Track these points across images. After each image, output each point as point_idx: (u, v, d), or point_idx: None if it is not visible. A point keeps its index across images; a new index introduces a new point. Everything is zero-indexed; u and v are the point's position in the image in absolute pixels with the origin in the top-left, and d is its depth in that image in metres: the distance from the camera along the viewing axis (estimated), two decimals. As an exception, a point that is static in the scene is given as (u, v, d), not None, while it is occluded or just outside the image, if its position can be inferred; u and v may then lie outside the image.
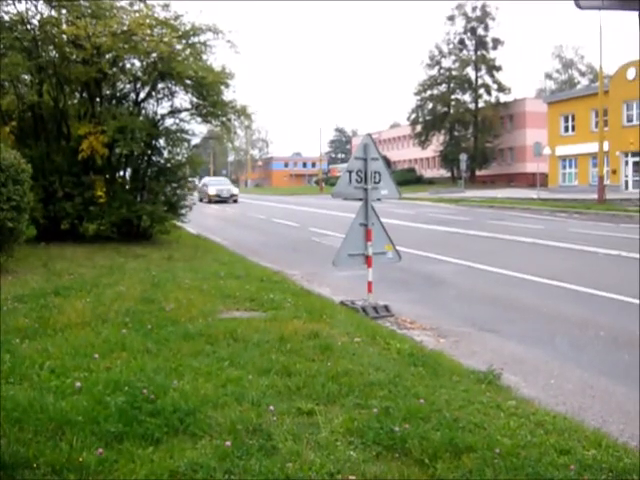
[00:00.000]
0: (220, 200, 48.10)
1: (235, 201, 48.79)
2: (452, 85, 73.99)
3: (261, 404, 4.85)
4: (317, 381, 5.40)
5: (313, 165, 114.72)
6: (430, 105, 75.70)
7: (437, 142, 74.47)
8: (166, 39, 16.68)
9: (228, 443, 4.12)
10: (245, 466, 3.85)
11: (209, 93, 17.91)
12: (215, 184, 51.92)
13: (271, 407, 4.76)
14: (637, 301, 10.06)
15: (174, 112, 18.79)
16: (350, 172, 9.87)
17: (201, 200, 46.83)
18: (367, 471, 3.86)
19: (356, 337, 7.12)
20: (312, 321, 7.76)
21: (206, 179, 55.71)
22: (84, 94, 18.44)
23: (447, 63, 74.59)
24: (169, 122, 18.95)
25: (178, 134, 18.73)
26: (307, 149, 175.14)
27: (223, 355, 6.14)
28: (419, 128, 76.46)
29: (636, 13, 3.02)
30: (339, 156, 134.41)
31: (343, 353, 6.35)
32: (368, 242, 9.89)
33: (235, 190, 51.77)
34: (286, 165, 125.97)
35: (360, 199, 10.01)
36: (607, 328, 8.65)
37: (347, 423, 4.54)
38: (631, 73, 45.81)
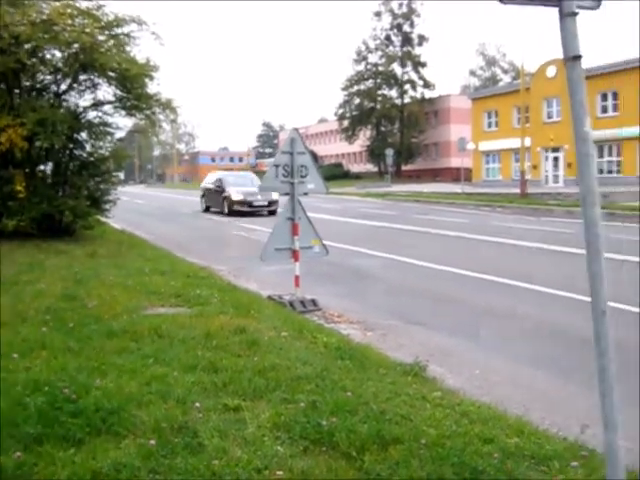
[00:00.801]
0: (249, 211, 28.69)
1: (273, 212, 28.21)
2: (378, 81, 74.76)
3: (187, 401, 4.78)
4: (244, 376, 5.35)
5: (240, 160, 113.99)
6: (357, 100, 76.43)
7: (364, 137, 75.21)
8: (88, 30, 16.23)
9: (152, 442, 4.03)
10: (170, 464, 3.78)
11: (133, 86, 17.54)
12: (238, 184, 30.42)
13: (197, 404, 4.70)
14: (559, 292, 10.34)
15: (97, 105, 18.32)
16: (277, 166, 9.83)
17: (207, 209, 32.11)
18: (294, 466, 3.83)
19: (283, 332, 7.09)
20: (239, 316, 7.70)
21: (219, 174, 33.81)
22: (2, 85, 17.78)
23: (374, 59, 75.47)
24: (92, 115, 18.46)
25: (101, 127, 18.27)
26: (234, 143, 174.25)
27: (148, 352, 6.02)
28: (346, 123, 77.14)
29: (556, 9, 3.06)
30: (267, 151, 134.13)
31: (270, 348, 6.31)
32: (295, 236, 9.87)
33: (275, 194, 28.05)
34: (213, 160, 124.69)
35: (287, 193, 9.99)
36: (530, 319, 8.88)
37: (274, 418, 4.51)
38: (551, 71, 47.10)
